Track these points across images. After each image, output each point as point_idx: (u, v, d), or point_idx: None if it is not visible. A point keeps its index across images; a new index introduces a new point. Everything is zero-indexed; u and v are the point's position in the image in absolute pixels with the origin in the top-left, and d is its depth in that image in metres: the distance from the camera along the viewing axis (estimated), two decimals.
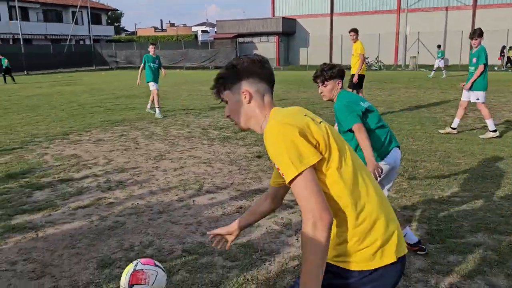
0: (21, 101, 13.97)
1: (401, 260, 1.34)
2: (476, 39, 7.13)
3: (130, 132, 8.32)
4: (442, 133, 7.50)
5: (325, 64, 3.48)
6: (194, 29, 74.94)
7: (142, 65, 10.85)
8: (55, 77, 28.50)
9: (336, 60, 37.44)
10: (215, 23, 50.36)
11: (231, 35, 39.84)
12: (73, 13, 46.47)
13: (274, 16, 41.07)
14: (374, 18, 36.65)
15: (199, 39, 52.52)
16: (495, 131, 7.14)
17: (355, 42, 9.53)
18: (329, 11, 38.40)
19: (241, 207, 4.29)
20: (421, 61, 32.66)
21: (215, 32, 46.43)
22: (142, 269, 2.17)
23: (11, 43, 42.26)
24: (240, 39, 40.02)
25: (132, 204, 4.45)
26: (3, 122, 9.71)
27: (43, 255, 3.33)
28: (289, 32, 40.29)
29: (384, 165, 3.20)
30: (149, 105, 10.66)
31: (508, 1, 32.25)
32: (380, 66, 31.87)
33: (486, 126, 7.30)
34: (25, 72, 32.72)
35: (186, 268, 3.09)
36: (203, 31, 65.28)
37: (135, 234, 3.70)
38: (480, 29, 7.24)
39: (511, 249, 3.25)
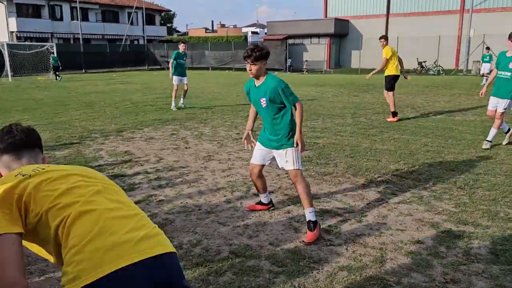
0: (79, 98, 14.77)
1: None
2: None
3: (180, 132, 8.56)
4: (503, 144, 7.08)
5: (255, 45, 3.87)
6: (244, 30, 75.56)
7: (172, 60, 11.60)
8: (110, 75, 29.84)
9: None
10: (265, 24, 50.61)
11: (281, 37, 39.82)
12: (129, 13, 48.55)
13: (326, 17, 40.68)
14: (435, 19, 35.30)
15: (249, 40, 52.90)
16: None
17: (384, 47, 9.38)
18: (385, 12, 37.52)
19: (288, 212, 4.28)
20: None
21: (265, 33, 46.65)
22: None
23: (71, 42, 44.72)
24: (290, 41, 39.89)
25: (181, 202, 4.57)
26: (63, 118, 10.33)
27: None
28: (342, 34, 39.72)
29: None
30: (182, 100, 11.30)
31: None
32: (439, 70, 30.59)
33: None
34: (83, 71, 34.54)
35: (233, 270, 3.12)
36: (253, 32, 65.70)
37: (183, 233, 3.79)
38: None
39: None
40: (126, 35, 45.92)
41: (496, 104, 6.92)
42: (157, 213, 4.26)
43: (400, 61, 10.07)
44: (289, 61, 37.08)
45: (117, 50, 40.91)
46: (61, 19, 44.37)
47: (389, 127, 8.80)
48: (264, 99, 3.80)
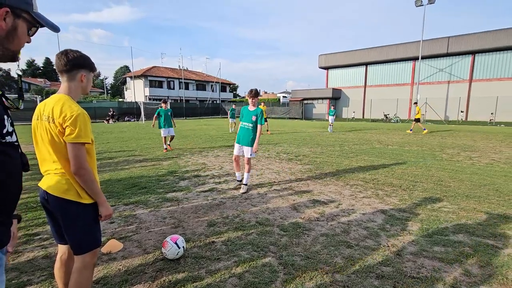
0: (181, 133, 15.39)
1: None
2: None
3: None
4: None
5: (254, 90, 4.55)
6: (278, 95, 76.57)
7: (156, 115, 8.72)
8: (199, 121, 30.93)
9: (366, 115, 35.44)
10: (290, 91, 50.95)
11: (300, 99, 39.92)
12: (211, 85, 50.63)
13: (327, 87, 40.42)
14: (396, 88, 34.22)
15: (281, 101, 53.47)
16: None
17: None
18: (363, 84, 36.81)
19: (294, 200, 4.24)
20: (428, 117, 29.56)
21: (291, 96, 46.93)
22: (167, 241, 2.46)
23: (178, 102, 47.10)
24: (305, 101, 39.92)
25: (231, 192, 4.63)
26: (172, 144, 10.77)
27: (180, 216, 3.63)
28: (336, 97, 39.20)
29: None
30: (165, 145, 8.70)
31: (496, 77, 28.05)
32: (397, 119, 29.41)
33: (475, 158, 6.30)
34: (185, 118, 36.09)
35: (257, 232, 3.13)
36: (283, 96, 66.39)
37: (230, 210, 3.85)
38: None
39: (488, 247, 2.78)
40: (209, 98, 47.86)
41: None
42: (216, 198, 4.35)
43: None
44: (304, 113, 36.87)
45: (204, 106, 42.53)
46: (173, 88, 46.92)
47: (362, 153, 8.51)
48: (254, 116, 4.60)
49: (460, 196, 4.34)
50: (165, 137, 8.87)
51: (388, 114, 31.75)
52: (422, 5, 26.09)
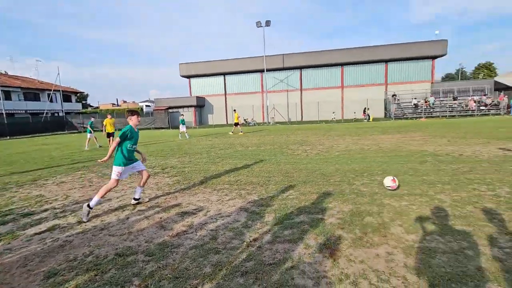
0: (3, 159, 11.35)
1: None
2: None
3: (87, 174, 7.27)
4: None
5: (130, 109, 4.67)
6: (140, 104, 70.57)
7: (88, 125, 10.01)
8: (34, 140, 23.99)
9: (229, 120, 38.35)
10: (154, 100, 48.15)
11: (165, 107, 38.35)
12: (48, 94, 40.50)
13: (191, 95, 40.83)
14: (250, 96, 38.72)
15: (144, 110, 49.54)
16: None
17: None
18: (223, 92, 39.52)
19: (161, 218, 3.92)
20: (277, 119, 35.12)
21: (155, 105, 44.30)
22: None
23: None
24: (171, 110, 38.76)
25: (81, 226, 3.80)
26: None
27: None
28: (201, 105, 40.29)
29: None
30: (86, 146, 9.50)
31: (318, 86, 36.87)
32: (254, 123, 33.40)
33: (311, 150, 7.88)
34: (8, 137, 27.03)
35: (116, 267, 2.69)
36: (146, 105, 61.96)
37: (80, 248, 3.12)
38: None
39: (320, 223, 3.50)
40: (47, 110, 38.07)
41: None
42: (59, 238, 3.44)
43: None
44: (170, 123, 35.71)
45: (38, 120, 33.34)
46: None
47: (227, 157, 9.04)
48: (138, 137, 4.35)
49: (300, 183, 5.33)
50: None
51: (246, 119, 35.54)
52: (262, 26, 30.82)
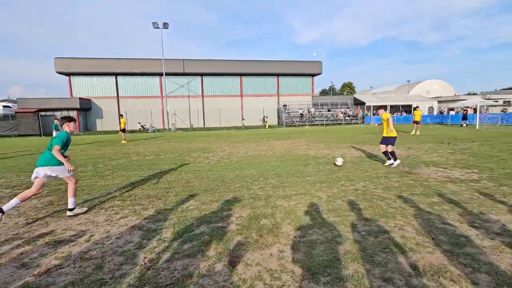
0: None
1: None
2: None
3: None
4: None
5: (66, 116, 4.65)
6: None
7: None
8: None
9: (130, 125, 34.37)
10: (16, 99, 37.92)
11: (34, 110, 30.74)
12: None
13: (72, 96, 34.43)
14: (148, 100, 35.89)
15: (1, 113, 38.13)
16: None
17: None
18: (115, 95, 35.20)
19: (22, 254, 3.09)
20: (178, 126, 33.84)
21: (18, 107, 34.92)
22: None
23: None
24: (43, 113, 31.45)
25: None
26: None
27: None
28: (87, 108, 34.52)
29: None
30: None
31: (219, 94, 37.66)
32: (154, 129, 31.10)
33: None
34: None
35: None
36: (5, 106, 48.02)
37: None
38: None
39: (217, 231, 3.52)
40: None
41: None
42: None
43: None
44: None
45: None
46: None
47: (119, 168, 8.03)
48: None
49: (201, 192, 5.26)
50: None
51: (144, 125, 32.72)
52: (159, 28, 29.23)
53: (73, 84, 34.74)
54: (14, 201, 3.86)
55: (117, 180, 6.49)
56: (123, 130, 18.27)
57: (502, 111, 35.67)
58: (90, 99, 34.79)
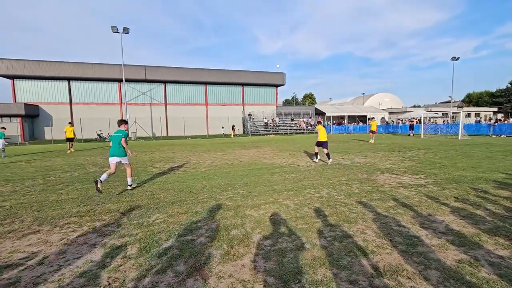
0: None
1: None
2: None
3: None
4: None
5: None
6: None
7: None
8: None
9: (77, 135, 31.75)
10: None
11: None
12: None
13: (15, 101, 30.98)
14: (106, 107, 33.71)
15: None
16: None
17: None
18: (68, 101, 32.52)
19: None
20: (139, 134, 32.27)
21: None
22: None
23: None
24: None
25: None
26: None
27: None
28: (33, 115, 31.25)
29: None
30: None
31: (183, 102, 36.83)
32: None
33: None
34: None
35: None
36: None
37: None
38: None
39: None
40: None
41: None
42: None
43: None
44: None
45: None
46: None
47: (74, 181, 7.39)
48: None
49: (168, 204, 5.08)
50: None
51: (102, 133, 30.62)
52: (118, 32, 27.93)
53: (17, 88, 31.31)
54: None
55: (73, 194, 5.97)
56: (71, 139, 16.87)
57: (443, 122, 40.35)
58: (37, 105, 31.61)
